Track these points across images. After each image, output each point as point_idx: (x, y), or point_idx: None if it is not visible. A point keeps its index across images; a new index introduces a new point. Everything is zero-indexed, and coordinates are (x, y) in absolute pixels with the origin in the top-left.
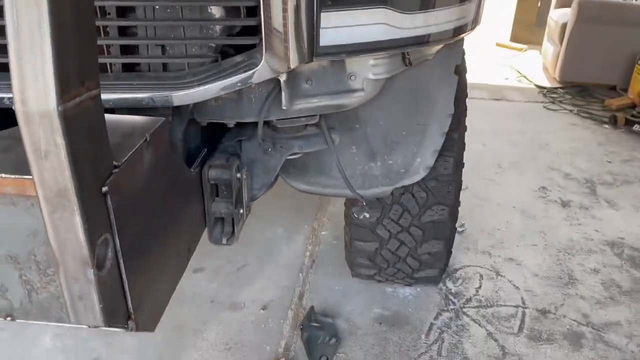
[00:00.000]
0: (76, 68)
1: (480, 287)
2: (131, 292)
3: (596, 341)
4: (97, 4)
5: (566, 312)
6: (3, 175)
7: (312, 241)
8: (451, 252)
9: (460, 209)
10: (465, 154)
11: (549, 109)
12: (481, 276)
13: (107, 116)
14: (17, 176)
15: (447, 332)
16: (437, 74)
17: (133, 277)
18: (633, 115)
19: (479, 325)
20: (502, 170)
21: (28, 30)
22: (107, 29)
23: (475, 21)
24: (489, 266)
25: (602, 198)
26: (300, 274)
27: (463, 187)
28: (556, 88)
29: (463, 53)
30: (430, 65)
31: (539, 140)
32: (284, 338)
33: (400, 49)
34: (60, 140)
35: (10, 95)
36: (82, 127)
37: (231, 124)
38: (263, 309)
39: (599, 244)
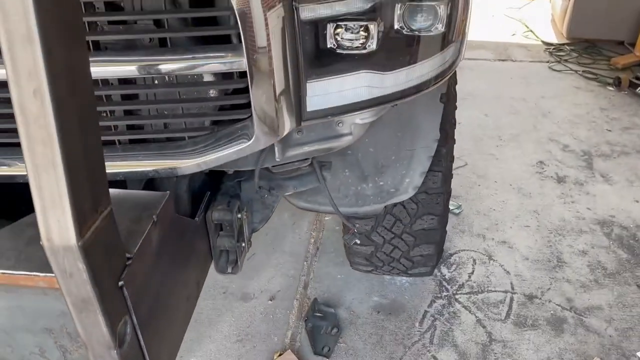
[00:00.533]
0: (90, 202)
1: (472, 272)
2: (150, 353)
3: (577, 326)
4: (104, 93)
5: (551, 297)
6: (36, 273)
7: (316, 227)
8: (442, 250)
9: (458, 188)
10: (467, 125)
11: (554, 69)
12: (474, 261)
13: (114, 194)
14: (47, 274)
15: (439, 320)
16: (422, 103)
17: (150, 340)
18: (637, 78)
19: (469, 311)
20: (503, 143)
21: (48, 187)
22: (114, 112)
23: (458, 58)
24: (482, 250)
25: (597, 172)
26: (305, 263)
27: (462, 163)
28: (563, 44)
29: (448, 81)
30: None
31: (541, 107)
32: (290, 329)
33: (384, 105)
34: (81, 266)
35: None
36: (99, 246)
37: (230, 170)
38: (271, 300)
39: (590, 223)
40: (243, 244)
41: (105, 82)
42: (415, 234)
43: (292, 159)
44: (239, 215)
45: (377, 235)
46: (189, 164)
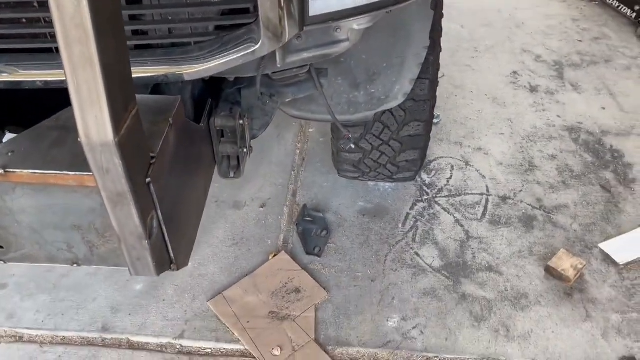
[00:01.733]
0: (122, 100)
1: (451, 177)
2: (172, 246)
3: (546, 222)
4: None
5: (523, 198)
6: (66, 172)
7: (300, 139)
8: (426, 156)
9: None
10: (444, 37)
11: None
12: (452, 167)
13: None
14: (77, 173)
15: (420, 221)
16: (413, 11)
17: (172, 235)
18: None
19: (448, 213)
20: (478, 54)
21: (86, 86)
22: None
23: None
24: (459, 157)
25: (567, 81)
26: (292, 172)
27: (440, 75)
28: None
29: None
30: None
31: (515, 18)
32: (282, 232)
33: (387, 8)
34: (117, 161)
35: (44, 78)
36: (131, 143)
37: (231, 77)
38: (262, 207)
39: (559, 130)
40: (244, 150)
41: None
42: (402, 140)
43: (292, 65)
44: (241, 122)
45: (366, 142)
46: (197, 69)
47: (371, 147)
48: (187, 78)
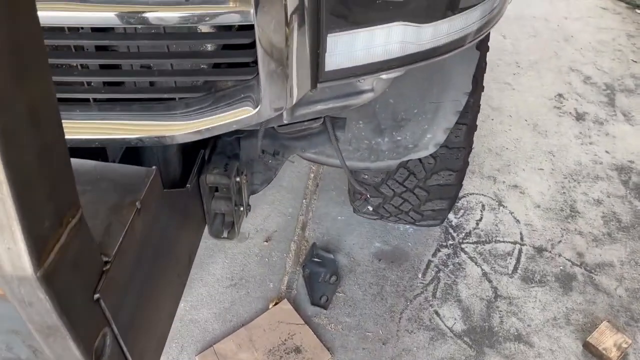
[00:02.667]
0: (51, 217)
1: (480, 219)
2: (133, 355)
3: (586, 284)
4: (75, 43)
5: (562, 251)
6: None
7: None
8: (455, 204)
9: None
10: None
11: None
12: (483, 206)
13: (87, 169)
14: None
15: (443, 272)
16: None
17: (134, 346)
18: None
19: (475, 263)
20: (520, 71)
21: None
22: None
23: (506, 3)
24: (492, 194)
25: (619, 109)
26: (304, 200)
27: None
28: None
29: None
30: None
31: (564, 29)
32: (286, 274)
33: (418, 63)
34: (42, 296)
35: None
36: (66, 265)
37: None
38: (267, 241)
39: (607, 169)
40: (241, 208)
41: (75, 29)
42: (429, 189)
43: (302, 118)
44: (238, 179)
45: (387, 187)
46: (182, 131)
47: (393, 193)
48: (168, 142)
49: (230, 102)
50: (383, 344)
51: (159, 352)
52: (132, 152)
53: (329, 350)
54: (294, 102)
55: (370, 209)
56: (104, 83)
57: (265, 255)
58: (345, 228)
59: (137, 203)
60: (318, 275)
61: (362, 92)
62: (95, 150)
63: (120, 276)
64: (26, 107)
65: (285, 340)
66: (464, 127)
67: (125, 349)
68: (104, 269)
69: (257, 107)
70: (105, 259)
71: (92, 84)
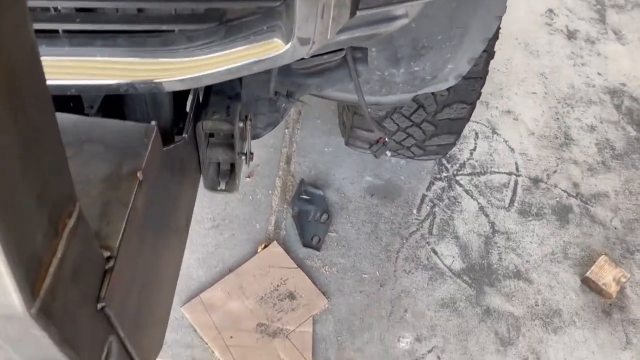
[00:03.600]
0: (43, 224)
1: (474, 149)
2: (137, 351)
3: (582, 216)
4: None
5: (557, 181)
6: None
7: None
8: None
9: None
10: None
11: None
12: (477, 135)
13: (75, 130)
14: None
15: (438, 206)
16: None
17: (139, 340)
18: None
19: (471, 197)
20: None
21: None
22: None
23: None
24: (485, 121)
25: (610, 27)
26: (286, 130)
27: None
28: None
29: None
30: None
31: None
32: (273, 213)
33: None
34: (38, 332)
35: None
36: (65, 281)
37: None
38: (249, 177)
39: (600, 92)
40: (242, 157)
41: None
42: (437, 123)
43: (322, 51)
44: (241, 124)
45: (392, 122)
46: (183, 76)
47: (397, 128)
48: (166, 89)
49: (250, 35)
50: (381, 286)
51: (164, 334)
52: (114, 98)
53: (324, 295)
54: (332, 34)
55: (389, 154)
56: (77, 9)
57: (249, 193)
58: (333, 161)
59: (138, 174)
60: (308, 214)
61: (394, 18)
62: (63, 99)
63: (124, 271)
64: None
65: (278, 285)
66: (484, 55)
67: (133, 351)
68: (107, 267)
69: (289, 41)
70: (107, 254)
71: (61, 9)
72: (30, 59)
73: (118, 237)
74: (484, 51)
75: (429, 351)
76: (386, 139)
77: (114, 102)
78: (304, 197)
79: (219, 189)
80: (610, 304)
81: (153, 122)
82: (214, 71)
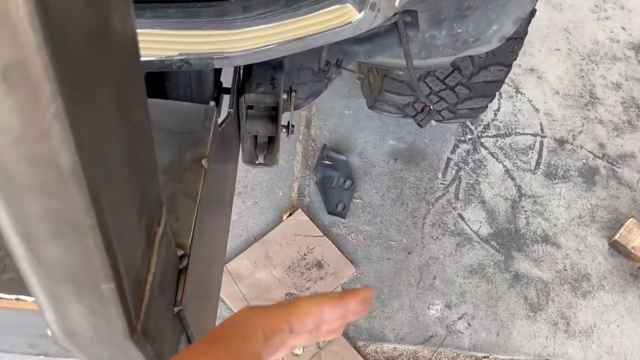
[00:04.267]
0: (141, 241)
1: (498, 109)
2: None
3: (609, 177)
4: None
5: (583, 142)
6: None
7: None
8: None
9: None
10: None
11: None
12: (500, 94)
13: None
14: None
15: (464, 170)
16: None
17: (201, 330)
18: None
19: (497, 159)
20: None
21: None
22: None
23: None
24: (508, 80)
25: None
26: None
27: None
28: None
29: None
30: None
31: None
32: (295, 180)
33: None
34: (136, 354)
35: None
36: (157, 297)
37: None
38: None
39: (624, 48)
40: (284, 130)
41: None
42: (472, 86)
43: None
44: (285, 96)
45: (424, 85)
46: (240, 47)
47: (429, 92)
48: (224, 65)
49: (314, 3)
50: (408, 253)
51: (216, 315)
52: (155, 73)
53: (352, 263)
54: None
55: (434, 123)
56: None
57: None
58: (354, 124)
59: (203, 162)
60: (331, 180)
61: None
62: None
63: (195, 267)
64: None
65: (305, 254)
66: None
67: (195, 339)
68: (181, 267)
69: (363, 8)
70: (180, 253)
71: None
72: (133, 52)
73: (190, 234)
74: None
75: (460, 318)
76: (432, 107)
77: (154, 77)
78: (327, 162)
79: (257, 162)
80: (639, 268)
81: (212, 103)
82: (278, 43)
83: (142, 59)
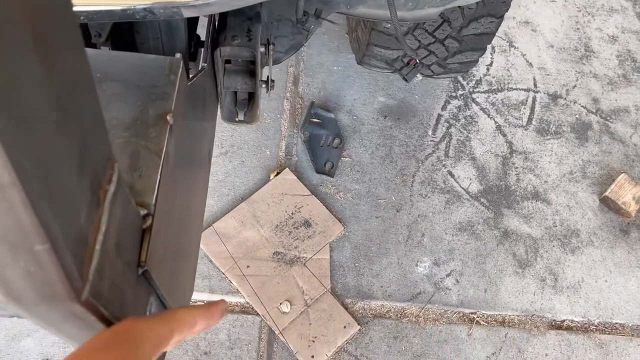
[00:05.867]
0: (86, 198)
1: (491, 64)
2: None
3: (602, 133)
4: None
5: (577, 97)
6: None
7: None
8: None
9: None
10: None
11: None
12: (493, 48)
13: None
14: None
15: (455, 127)
16: None
17: (175, 294)
18: None
19: (488, 115)
20: None
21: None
22: None
23: None
24: (501, 33)
25: None
26: None
27: None
28: None
29: None
30: None
31: None
32: (283, 138)
33: None
34: (86, 316)
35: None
36: (109, 257)
37: None
38: None
39: None
40: (263, 85)
41: None
42: (462, 39)
43: None
44: (262, 49)
45: (413, 38)
46: None
47: (418, 45)
48: (186, 15)
49: None
50: (397, 211)
51: (194, 276)
52: (124, 24)
53: (340, 222)
54: None
55: (420, 77)
56: None
57: None
58: (343, 81)
59: (168, 117)
60: (319, 139)
61: None
62: None
63: (161, 226)
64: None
65: (293, 213)
66: None
67: (169, 305)
68: (145, 226)
69: None
70: (143, 211)
71: None
72: None
73: (154, 192)
74: None
75: (448, 275)
76: (417, 61)
77: (123, 29)
78: (315, 120)
79: (237, 120)
80: (629, 223)
81: (178, 55)
82: None
83: (103, 9)
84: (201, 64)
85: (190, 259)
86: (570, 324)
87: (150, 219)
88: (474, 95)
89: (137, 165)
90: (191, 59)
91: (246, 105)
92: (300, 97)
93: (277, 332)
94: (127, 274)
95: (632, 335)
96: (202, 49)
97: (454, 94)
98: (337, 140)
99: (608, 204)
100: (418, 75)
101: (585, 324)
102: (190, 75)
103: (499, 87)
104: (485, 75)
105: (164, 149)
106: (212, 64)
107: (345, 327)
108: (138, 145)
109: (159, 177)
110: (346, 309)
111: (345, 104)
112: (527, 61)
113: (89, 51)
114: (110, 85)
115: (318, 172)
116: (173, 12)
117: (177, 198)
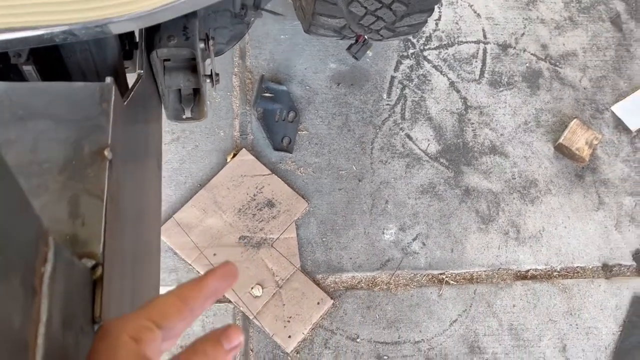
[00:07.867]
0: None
1: (439, 18)
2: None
3: (552, 79)
4: None
5: (526, 45)
6: None
7: None
8: None
9: None
10: None
11: None
12: (440, 2)
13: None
14: None
15: (409, 87)
16: None
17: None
18: None
19: (441, 72)
20: None
21: None
22: None
23: None
24: None
25: None
26: None
27: None
28: None
29: None
30: None
31: None
32: (236, 117)
33: None
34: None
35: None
36: (57, 336)
37: None
38: None
39: None
40: (208, 80)
41: None
42: (409, 2)
43: None
44: (202, 46)
45: (359, 5)
46: (130, 12)
47: (365, 12)
48: (115, 31)
49: None
50: (359, 181)
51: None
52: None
53: (303, 198)
54: None
55: (370, 54)
56: None
57: None
58: (292, 50)
59: (105, 152)
60: (273, 114)
61: None
62: None
63: (114, 270)
64: None
65: (254, 195)
66: None
67: None
68: (95, 277)
69: None
70: (90, 263)
71: None
72: None
73: (100, 240)
74: None
75: (414, 239)
76: (366, 37)
77: (43, 51)
78: (267, 95)
79: (184, 117)
80: (583, 168)
81: (108, 79)
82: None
83: (12, 35)
84: (137, 70)
85: (152, 265)
86: (534, 272)
87: (100, 268)
88: (425, 53)
89: (78, 212)
90: (126, 57)
91: (192, 100)
92: (249, 71)
93: (251, 317)
94: (82, 339)
95: (593, 277)
96: (137, 51)
97: (405, 54)
98: (292, 114)
99: (562, 151)
100: (368, 52)
101: (548, 271)
102: (127, 92)
103: (449, 42)
104: (434, 30)
105: (106, 190)
106: (150, 67)
107: (318, 303)
108: (76, 189)
109: (104, 222)
110: (318, 285)
111: (296, 74)
112: (475, 12)
113: (5, 84)
114: (36, 123)
115: (276, 149)
116: (97, 33)
117: (128, 228)
